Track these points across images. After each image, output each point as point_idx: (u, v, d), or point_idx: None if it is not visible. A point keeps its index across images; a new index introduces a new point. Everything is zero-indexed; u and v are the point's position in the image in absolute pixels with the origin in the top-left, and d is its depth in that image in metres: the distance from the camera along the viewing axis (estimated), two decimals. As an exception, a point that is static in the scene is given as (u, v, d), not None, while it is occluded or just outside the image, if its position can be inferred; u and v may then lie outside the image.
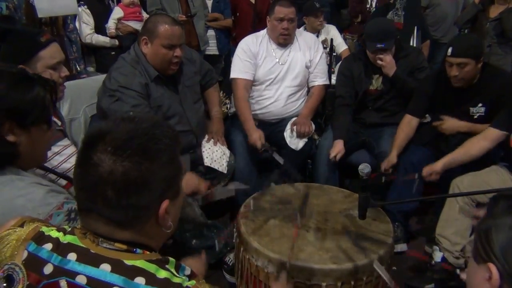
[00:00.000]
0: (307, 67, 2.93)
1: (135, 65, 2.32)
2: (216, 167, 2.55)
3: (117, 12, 3.85)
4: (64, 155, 1.65)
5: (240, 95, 2.82)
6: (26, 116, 1.20)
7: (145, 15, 3.99)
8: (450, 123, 2.56)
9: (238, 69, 2.86)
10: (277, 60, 2.88)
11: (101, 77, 2.49)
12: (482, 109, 2.49)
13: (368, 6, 4.62)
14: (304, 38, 2.98)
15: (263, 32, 2.96)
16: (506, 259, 0.76)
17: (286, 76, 2.89)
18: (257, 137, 2.64)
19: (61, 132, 1.72)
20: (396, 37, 2.72)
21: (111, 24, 3.80)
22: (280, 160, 2.58)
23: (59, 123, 1.76)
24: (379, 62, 2.73)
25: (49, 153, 1.58)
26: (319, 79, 2.98)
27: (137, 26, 3.88)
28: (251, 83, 2.87)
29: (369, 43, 2.75)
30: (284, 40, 2.85)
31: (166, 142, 0.88)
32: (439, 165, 2.38)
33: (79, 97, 2.57)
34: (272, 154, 2.60)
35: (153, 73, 2.32)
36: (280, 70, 2.88)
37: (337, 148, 2.70)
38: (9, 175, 1.18)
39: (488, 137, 2.30)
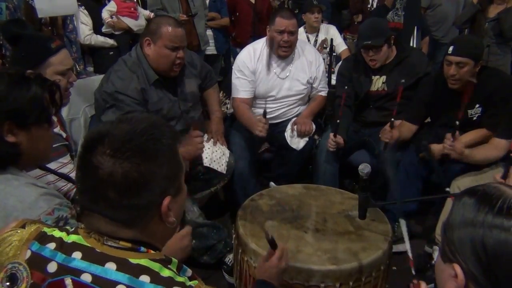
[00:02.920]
0: (310, 83, 2.92)
1: (135, 68, 2.30)
2: (215, 167, 2.55)
3: (111, 6, 3.83)
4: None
5: (241, 112, 2.79)
6: (26, 116, 1.21)
7: (141, 11, 3.98)
8: (434, 149, 2.54)
9: (237, 89, 2.83)
10: (277, 75, 2.83)
11: (101, 77, 2.49)
12: (479, 110, 2.49)
13: (369, 6, 4.63)
14: (305, 53, 2.92)
15: (262, 43, 2.88)
16: (466, 257, 0.76)
17: (288, 94, 2.87)
18: (261, 127, 2.60)
19: (65, 148, 1.71)
20: (387, 36, 2.70)
21: (105, 15, 3.78)
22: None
23: (64, 135, 1.75)
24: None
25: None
26: (323, 92, 3.01)
27: (132, 23, 3.86)
28: (252, 100, 2.85)
29: (358, 41, 2.79)
30: (284, 53, 2.77)
31: (165, 142, 0.89)
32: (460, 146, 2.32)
33: (79, 97, 2.58)
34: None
35: (152, 77, 2.31)
36: (281, 87, 2.85)
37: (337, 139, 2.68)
38: (7, 174, 1.19)
39: (498, 147, 2.33)
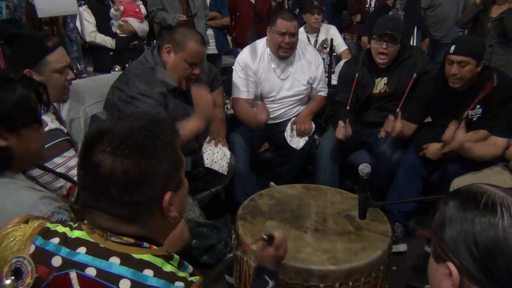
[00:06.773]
0: (309, 84, 2.91)
1: (155, 73, 2.28)
2: (216, 169, 2.55)
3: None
4: (66, 168, 1.64)
5: (242, 112, 2.78)
6: (14, 119, 1.19)
7: (143, 11, 3.99)
8: (432, 148, 2.55)
9: (239, 89, 2.82)
10: (278, 75, 2.83)
11: (101, 77, 2.49)
12: (480, 110, 2.49)
13: (367, 6, 4.63)
14: (304, 53, 2.91)
15: (263, 43, 2.87)
16: (459, 254, 0.78)
17: (288, 94, 2.87)
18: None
19: (68, 143, 1.70)
20: (403, 36, 2.69)
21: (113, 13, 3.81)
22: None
23: (66, 130, 1.75)
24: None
25: (52, 164, 1.59)
26: (322, 93, 3.00)
27: (138, 27, 3.88)
28: (252, 100, 2.85)
29: (377, 28, 2.69)
30: (284, 54, 2.78)
31: (164, 138, 0.91)
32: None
33: (79, 97, 2.56)
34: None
35: (170, 84, 2.29)
36: (281, 87, 2.84)
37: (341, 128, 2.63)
38: (4, 178, 1.19)
39: (496, 145, 2.32)
